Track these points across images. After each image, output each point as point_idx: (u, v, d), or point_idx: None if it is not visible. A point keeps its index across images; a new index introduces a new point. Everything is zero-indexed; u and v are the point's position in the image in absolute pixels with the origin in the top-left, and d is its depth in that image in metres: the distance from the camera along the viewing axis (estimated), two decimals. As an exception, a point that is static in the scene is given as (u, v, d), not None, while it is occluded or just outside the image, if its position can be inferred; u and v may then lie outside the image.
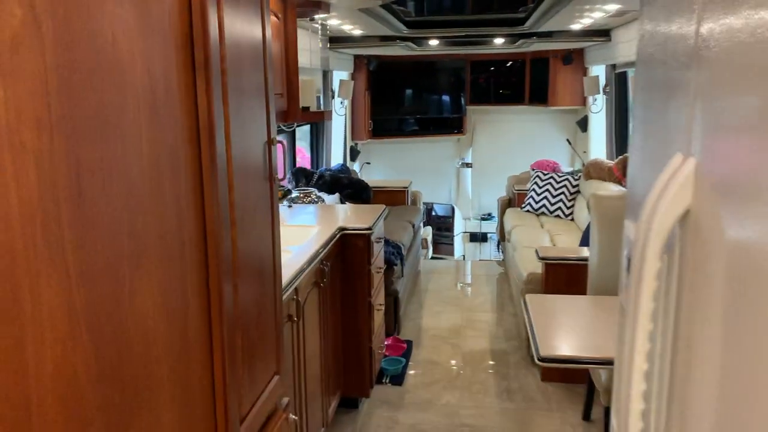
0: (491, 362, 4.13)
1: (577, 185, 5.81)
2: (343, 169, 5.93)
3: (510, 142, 8.03)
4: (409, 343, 4.31)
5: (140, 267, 0.97)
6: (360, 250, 3.30)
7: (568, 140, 7.59)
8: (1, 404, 0.70)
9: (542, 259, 3.71)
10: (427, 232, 6.84)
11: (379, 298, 3.62)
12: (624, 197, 3.40)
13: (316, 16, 4.00)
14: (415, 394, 3.70)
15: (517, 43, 6.23)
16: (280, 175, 1.63)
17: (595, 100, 6.35)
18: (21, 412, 0.73)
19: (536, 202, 5.91)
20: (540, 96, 7.41)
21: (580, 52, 6.94)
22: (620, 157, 5.26)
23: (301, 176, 5.06)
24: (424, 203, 6.86)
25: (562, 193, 5.83)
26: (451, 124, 7.95)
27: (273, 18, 3.20)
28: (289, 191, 4.51)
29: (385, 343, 4.04)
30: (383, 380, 3.79)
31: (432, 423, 3.37)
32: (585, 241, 4.19)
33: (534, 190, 5.97)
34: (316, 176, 5.13)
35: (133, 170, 0.95)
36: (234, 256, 1.27)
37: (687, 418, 0.94)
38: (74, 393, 0.81)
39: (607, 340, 2.41)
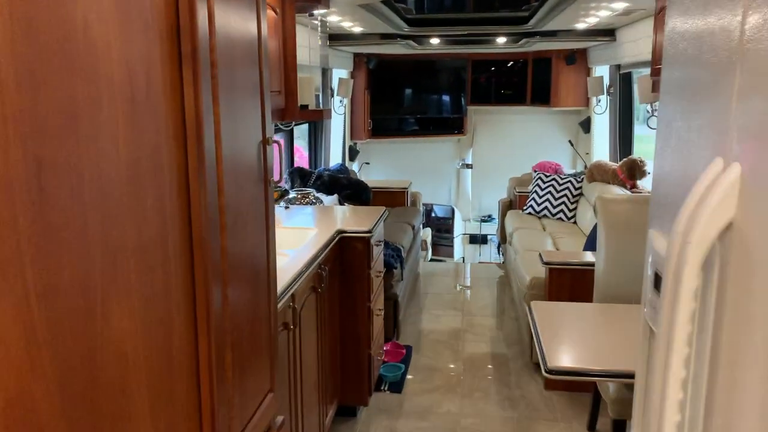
0: (492, 368, 4.03)
1: (580, 187, 5.70)
2: (342, 169, 5.82)
3: (511, 143, 7.93)
4: (409, 348, 4.20)
5: (116, 281, 0.86)
6: (359, 254, 3.19)
7: (570, 141, 7.48)
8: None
9: (546, 263, 3.61)
10: (426, 234, 6.74)
11: (378, 303, 3.52)
12: (632, 201, 3.30)
13: (316, 12, 3.89)
14: (415, 402, 3.59)
15: (519, 43, 6.12)
16: (276, 177, 1.52)
17: (599, 101, 6.25)
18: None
19: (538, 205, 5.81)
20: (542, 96, 7.30)
21: (584, 52, 6.84)
22: (624, 159, 5.15)
23: (299, 176, 4.95)
24: (423, 204, 6.76)
25: (565, 195, 5.72)
26: (452, 125, 7.84)
27: (270, 13, 3.09)
28: (286, 192, 4.40)
29: (384, 348, 3.94)
30: (382, 387, 3.69)
31: (432, 432, 3.27)
32: (590, 246, 4.09)
33: (536, 192, 5.87)
34: (314, 176, 5.02)
35: (108, 172, 0.84)
36: (224, 266, 1.16)
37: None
38: (32, 430, 0.70)
39: (616, 350, 2.31)
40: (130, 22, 0.88)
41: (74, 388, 0.77)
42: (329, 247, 2.93)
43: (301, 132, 6.00)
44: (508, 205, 6.32)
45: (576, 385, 3.57)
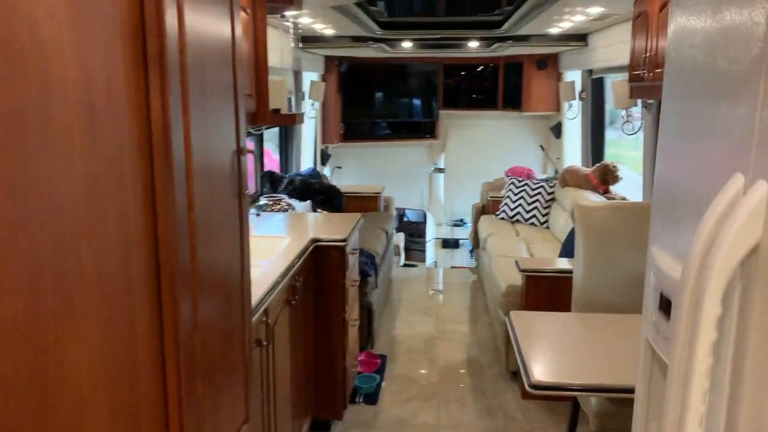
0: (468, 377, 3.96)
1: (552, 192, 5.69)
2: (314, 173, 5.71)
3: (483, 147, 7.91)
4: (383, 357, 4.11)
5: (71, 315, 0.75)
6: (334, 263, 3.09)
7: (541, 146, 7.50)
8: None
9: (523, 271, 3.56)
10: (399, 239, 6.66)
11: (353, 314, 3.42)
12: (610, 208, 3.27)
13: (287, 13, 3.78)
14: (390, 414, 3.50)
15: (492, 47, 6.09)
16: (250, 189, 1.42)
17: (571, 106, 6.25)
18: None
19: (511, 210, 5.78)
20: (513, 101, 7.29)
21: (555, 57, 6.85)
22: (597, 164, 5.15)
23: (269, 181, 4.82)
24: (396, 209, 6.68)
25: (537, 200, 5.70)
26: (424, 129, 7.78)
27: (242, 14, 2.97)
28: (257, 197, 4.27)
29: (359, 358, 3.83)
30: (356, 399, 3.59)
31: (409, 446, 3.18)
32: (565, 252, 4.06)
33: (509, 197, 5.84)
34: (285, 181, 4.90)
35: (61, 191, 0.73)
36: (194, 290, 1.05)
37: None
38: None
39: (600, 363, 2.25)
40: (88, 20, 0.77)
41: (19, 446, 0.66)
42: (303, 257, 2.83)
43: (270, 134, 5.86)
44: (481, 210, 6.28)
45: (554, 395, 3.52)
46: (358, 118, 7.56)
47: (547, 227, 5.64)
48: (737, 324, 0.88)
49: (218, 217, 1.18)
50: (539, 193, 5.70)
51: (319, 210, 4.68)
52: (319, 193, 4.98)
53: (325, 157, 7.14)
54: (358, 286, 3.69)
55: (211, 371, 1.16)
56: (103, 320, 0.80)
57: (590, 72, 5.71)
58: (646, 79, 2.80)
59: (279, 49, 4.17)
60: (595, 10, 3.84)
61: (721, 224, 0.86)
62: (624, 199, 4.87)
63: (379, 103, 7.80)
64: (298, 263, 2.71)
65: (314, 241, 3.05)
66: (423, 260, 7.47)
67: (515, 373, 3.93)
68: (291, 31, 4.06)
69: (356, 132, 7.55)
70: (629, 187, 5.01)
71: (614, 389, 2.09)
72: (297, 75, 5.79)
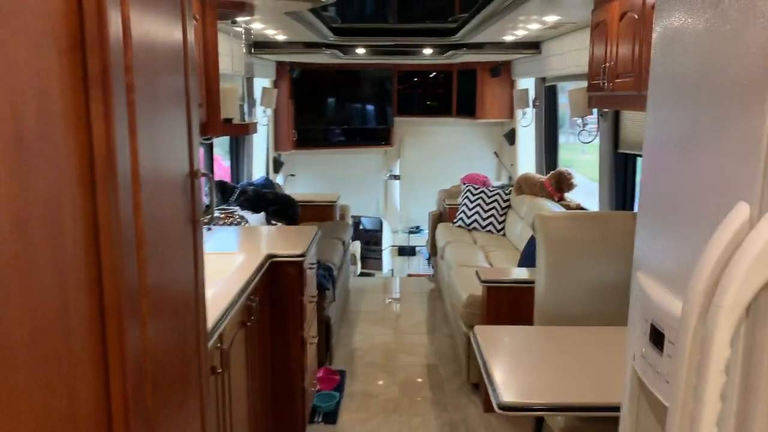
0: (429, 391, 3.89)
1: (508, 200, 5.70)
2: (267, 182, 5.55)
3: (438, 154, 7.90)
4: (342, 373, 4.00)
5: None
6: (292, 280, 2.97)
7: (495, 153, 7.53)
8: None
9: (484, 282, 3.51)
10: (355, 248, 6.56)
11: (312, 330, 3.30)
12: (571, 218, 3.25)
13: (239, 19, 3.64)
14: (351, 433, 3.39)
15: (446, 54, 6.07)
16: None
17: (525, 113, 6.29)
18: None
19: (468, 217, 5.76)
20: (468, 108, 7.30)
21: (508, 65, 6.89)
22: (552, 171, 5.18)
23: (220, 192, 4.65)
24: (351, 216, 6.58)
25: (494, 208, 5.70)
26: (379, 136, 7.71)
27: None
28: (207, 209, 4.10)
29: (317, 375, 3.71)
30: (315, 419, 3.46)
31: (371, 467, 3.09)
32: (525, 262, 4.04)
33: (465, 204, 5.82)
34: (237, 192, 4.74)
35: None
36: (146, 350, 0.93)
37: None
38: None
39: (567, 379, 2.21)
40: (12, 35, 0.65)
41: None
42: (259, 275, 2.70)
43: (220, 141, 5.67)
44: (438, 218, 6.25)
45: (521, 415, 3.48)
46: (311, 125, 7.43)
47: (504, 234, 5.64)
48: (743, 366, 0.82)
49: (171, 251, 1.07)
50: (495, 200, 5.70)
51: (273, 222, 4.53)
52: (273, 204, 4.83)
53: (277, 165, 6.98)
54: (316, 301, 3.57)
55: (164, 403, 1.03)
56: (36, 391, 0.68)
57: (543, 80, 5.75)
58: (605, 88, 2.79)
59: (230, 55, 4.02)
60: (551, 19, 3.85)
61: (725, 259, 0.80)
62: (579, 206, 4.90)
63: (332, 109, 7.68)
64: (254, 282, 2.59)
65: (270, 257, 2.92)
66: (380, 268, 7.39)
67: (476, 386, 3.88)
68: (243, 37, 3.92)
69: (310, 139, 7.42)
70: (581, 192, 5.05)
71: (585, 408, 2.05)
72: (248, 82, 5.63)
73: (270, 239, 3.42)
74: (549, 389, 2.16)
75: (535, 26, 4.23)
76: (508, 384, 2.14)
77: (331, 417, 3.50)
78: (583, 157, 5.91)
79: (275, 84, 6.83)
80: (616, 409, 1.96)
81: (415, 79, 7.62)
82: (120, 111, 0.85)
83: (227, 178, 5.45)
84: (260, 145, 6.40)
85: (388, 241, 7.76)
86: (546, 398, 2.09)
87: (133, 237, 0.89)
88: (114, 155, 0.82)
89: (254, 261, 2.76)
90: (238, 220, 3.73)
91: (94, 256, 0.80)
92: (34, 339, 0.68)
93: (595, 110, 3.98)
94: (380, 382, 3.99)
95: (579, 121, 4.14)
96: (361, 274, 6.82)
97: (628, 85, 2.51)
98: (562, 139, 5.83)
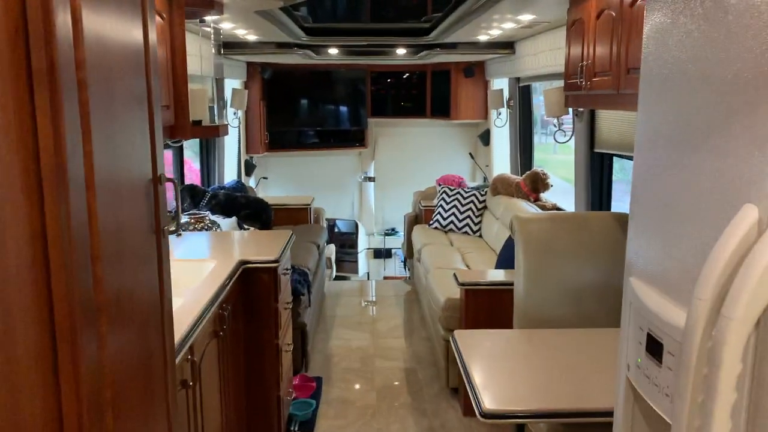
0: (408, 396, 3.83)
1: (484, 201, 5.67)
2: (239, 186, 5.43)
3: (412, 155, 7.84)
4: (319, 380, 3.92)
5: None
6: (265, 286, 2.88)
7: (470, 154, 7.51)
8: None
9: (462, 284, 3.46)
10: (330, 251, 6.47)
11: (287, 338, 3.21)
12: (550, 219, 3.21)
13: (207, 18, 3.54)
14: (329, 441, 3.31)
15: (419, 55, 6.02)
16: (169, 205, 1.21)
17: (499, 114, 6.27)
18: None
19: (444, 219, 5.72)
20: (442, 109, 7.26)
21: (482, 65, 6.87)
22: (528, 172, 5.16)
23: (190, 196, 4.52)
24: (326, 219, 6.49)
25: (470, 209, 5.67)
26: (353, 137, 7.62)
27: (157, 18, 2.72)
28: (176, 215, 3.98)
29: (293, 383, 3.62)
30: (292, 428, 3.37)
31: (350, 477, 3.01)
32: (502, 264, 4.00)
33: (441, 206, 5.77)
34: (208, 196, 4.61)
35: None
36: (105, 378, 0.84)
37: None
38: None
39: (550, 384, 2.16)
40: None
41: None
42: (231, 282, 2.60)
43: (191, 143, 5.53)
44: (414, 220, 6.19)
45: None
46: (284, 127, 7.31)
47: (480, 236, 5.61)
48: (752, 381, 0.77)
49: (132, 262, 0.98)
50: (471, 201, 5.67)
51: (245, 226, 4.42)
52: (245, 207, 4.72)
53: (249, 168, 6.85)
54: (291, 307, 3.48)
55: (127, 428, 0.95)
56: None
57: (518, 80, 5.73)
58: (582, 87, 2.75)
59: (198, 56, 3.91)
60: (526, 18, 3.82)
61: (733, 265, 0.74)
62: (555, 206, 4.89)
63: (305, 111, 7.58)
64: (226, 289, 2.49)
65: (243, 263, 2.83)
66: (355, 271, 7.31)
67: (456, 390, 3.83)
68: (212, 36, 3.81)
69: (282, 141, 7.30)
70: (554, 192, 5.04)
71: (570, 414, 2.00)
72: (218, 83, 5.50)
73: (242, 244, 3.33)
74: (532, 395, 2.11)
75: (509, 25, 4.20)
76: (489, 390, 2.09)
77: (308, 425, 3.41)
78: (554, 156, 5.92)
79: (246, 85, 6.71)
80: (602, 414, 1.92)
81: (389, 80, 7.56)
82: (71, 110, 0.77)
83: (198, 182, 5.32)
84: (232, 147, 6.28)
85: (363, 243, 7.68)
86: (530, 405, 2.04)
87: (87, 248, 0.81)
88: (63, 158, 0.74)
89: (226, 268, 2.67)
90: (209, 225, 3.62)
91: (42, 272, 0.71)
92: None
93: (570, 110, 3.96)
94: (358, 389, 3.91)
95: (555, 121, 4.12)
96: (337, 278, 6.73)
97: (606, 83, 2.48)
98: (534, 139, 5.83)
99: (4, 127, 0.67)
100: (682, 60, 0.89)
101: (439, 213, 5.76)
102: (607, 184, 3.91)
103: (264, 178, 7.42)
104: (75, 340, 0.74)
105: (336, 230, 7.40)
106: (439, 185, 5.97)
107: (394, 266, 7.67)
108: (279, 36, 5.00)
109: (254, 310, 2.85)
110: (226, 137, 5.84)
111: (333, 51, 5.94)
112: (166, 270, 1.17)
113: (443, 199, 5.77)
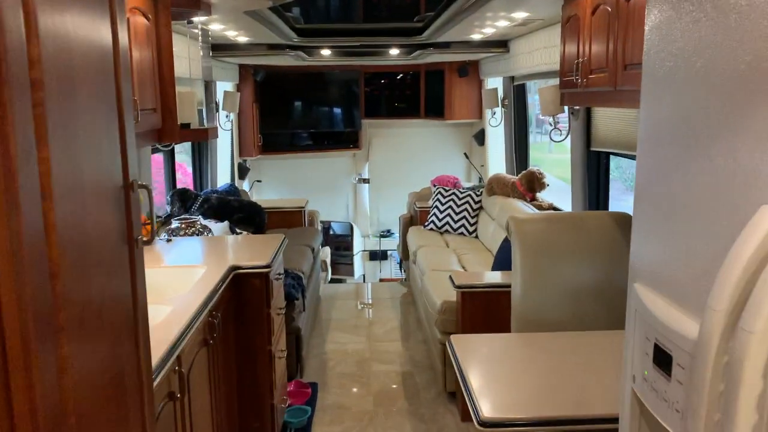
0: (405, 401, 3.76)
1: (480, 201, 5.61)
2: (232, 189, 5.36)
3: (407, 156, 7.78)
4: (314, 386, 3.85)
5: None
6: (257, 292, 2.81)
7: (465, 154, 7.45)
8: None
9: (459, 287, 3.39)
10: (325, 253, 6.40)
11: (280, 344, 3.14)
12: (547, 220, 3.15)
13: (195, 19, 3.47)
14: (325, 449, 3.25)
15: (413, 54, 5.96)
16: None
17: (494, 113, 6.21)
18: None
19: (439, 220, 5.65)
20: (436, 109, 7.20)
21: (476, 64, 6.81)
22: (524, 171, 5.10)
23: (181, 200, 4.45)
24: (321, 222, 6.42)
25: (465, 209, 5.61)
26: (347, 139, 7.55)
27: (141, 19, 2.66)
28: (168, 219, 3.91)
29: (288, 389, 3.55)
30: (287, 436, 3.31)
31: (347, 486, 2.94)
32: (498, 265, 3.94)
33: (436, 207, 5.71)
34: (200, 200, 4.54)
35: None
36: (65, 397, 0.78)
37: None
38: None
39: (550, 389, 2.10)
40: None
41: None
42: (222, 288, 2.54)
43: (183, 147, 5.46)
44: (409, 221, 6.13)
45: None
46: (277, 129, 7.24)
47: (476, 237, 5.55)
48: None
49: (99, 274, 0.91)
50: (467, 202, 5.61)
51: (238, 230, 4.35)
52: (238, 211, 4.65)
53: (243, 171, 6.78)
54: (285, 311, 3.41)
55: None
56: None
57: (512, 79, 5.67)
58: (578, 85, 2.69)
59: (187, 58, 3.84)
60: (519, 15, 3.76)
61: (750, 273, 0.68)
62: (552, 205, 4.83)
63: (298, 113, 7.51)
64: (216, 296, 2.42)
65: (234, 268, 2.76)
66: (351, 274, 7.24)
67: (453, 394, 3.76)
68: (200, 38, 3.74)
69: (276, 143, 7.23)
70: (549, 191, 4.99)
71: (571, 421, 1.94)
72: (209, 85, 5.43)
73: (234, 249, 3.26)
74: (531, 401, 2.05)
75: (503, 23, 4.14)
76: (487, 397, 2.02)
77: (303, 433, 3.35)
78: (550, 155, 5.86)
79: (238, 88, 6.64)
80: (604, 421, 1.86)
81: (383, 81, 7.49)
82: (22, 112, 0.70)
83: (191, 186, 5.25)
84: (224, 150, 6.21)
85: (358, 245, 7.61)
86: (529, 412, 1.97)
87: (45, 263, 0.74)
88: (13, 164, 0.67)
89: (216, 274, 2.60)
90: (200, 229, 3.55)
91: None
92: None
93: (566, 108, 3.91)
94: (354, 394, 3.84)
95: (550, 119, 4.06)
96: (332, 281, 6.66)
97: (603, 80, 2.42)
98: (530, 138, 5.77)
99: (-59, 132, 0.60)
100: (688, 51, 0.83)
101: (434, 214, 5.70)
102: (604, 183, 3.86)
103: (258, 181, 7.35)
104: (30, 366, 0.68)
105: (331, 233, 7.33)
106: (434, 186, 5.91)
107: (390, 268, 7.61)
108: (270, 38, 4.93)
109: (246, 317, 2.79)
110: (218, 141, 5.78)
111: (326, 52, 5.88)
112: (141, 281, 1.10)
113: (438, 200, 5.71)
